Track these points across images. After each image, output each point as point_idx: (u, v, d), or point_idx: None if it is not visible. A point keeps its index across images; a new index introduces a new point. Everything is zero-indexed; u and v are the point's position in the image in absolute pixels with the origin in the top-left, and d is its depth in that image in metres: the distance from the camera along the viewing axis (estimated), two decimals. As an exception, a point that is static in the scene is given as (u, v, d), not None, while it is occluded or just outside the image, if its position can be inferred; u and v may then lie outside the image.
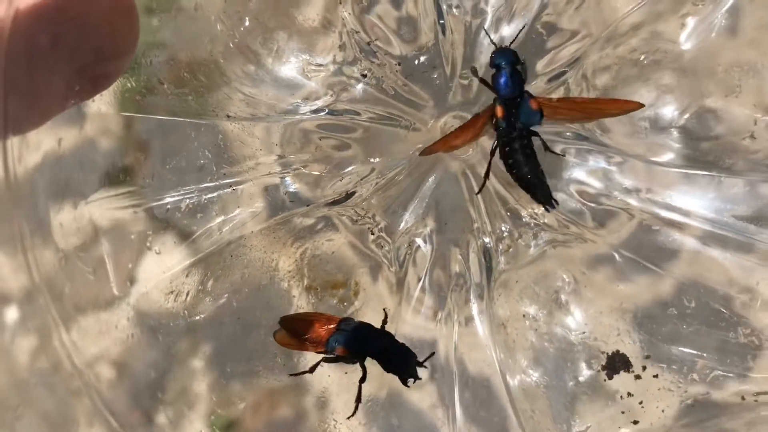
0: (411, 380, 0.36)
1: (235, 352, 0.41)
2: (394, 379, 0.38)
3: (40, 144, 0.32)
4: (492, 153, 0.39)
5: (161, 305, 0.39)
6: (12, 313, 0.32)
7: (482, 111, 0.38)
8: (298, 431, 0.41)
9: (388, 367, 0.36)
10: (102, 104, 0.37)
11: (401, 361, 0.36)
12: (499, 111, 0.37)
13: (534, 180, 0.38)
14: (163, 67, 0.39)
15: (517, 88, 0.37)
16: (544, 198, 0.38)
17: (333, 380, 0.41)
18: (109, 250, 0.38)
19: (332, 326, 0.37)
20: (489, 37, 0.40)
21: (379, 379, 0.39)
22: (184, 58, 0.40)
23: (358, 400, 0.38)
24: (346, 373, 0.40)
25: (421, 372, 0.37)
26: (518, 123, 0.37)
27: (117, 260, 0.38)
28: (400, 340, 0.38)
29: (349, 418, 0.38)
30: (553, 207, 0.38)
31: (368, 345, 0.37)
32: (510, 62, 0.37)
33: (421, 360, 0.37)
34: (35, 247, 0.32)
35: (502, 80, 0.37)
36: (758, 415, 0.36)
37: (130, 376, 0.38)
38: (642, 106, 0.36)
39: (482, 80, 0.39)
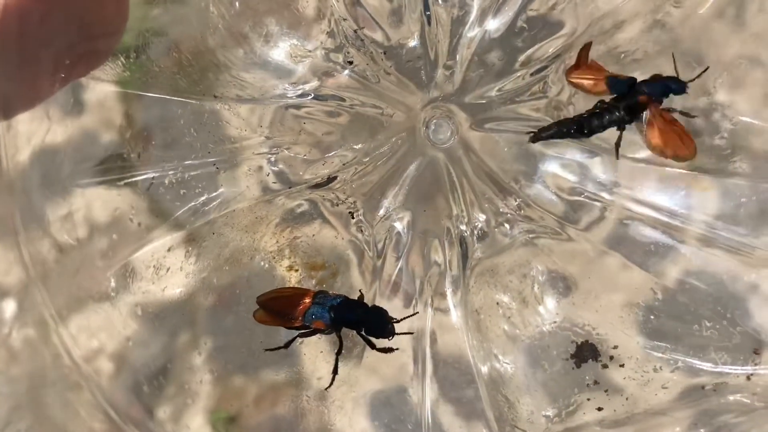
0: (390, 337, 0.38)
1: (217, 330, 0.42)
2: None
3: (32, 136, 0.32)
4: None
5: (158, 295, 0.40)
6: (10, 306, 0.32)
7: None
8: (300, 425, 0.41)
9: (366, 333, 0.38)
10: (91, 79, 0.37)
11: (377, 324, 0.38)
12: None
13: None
14: (154, 47, 0.40)
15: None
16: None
17: (354, 379, 0.42)
18: (106, 242, 0.39)
19: (308, 300, 0.38)
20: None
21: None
22: (176, 38, 0.41)
23: (335, 371, 0.39)
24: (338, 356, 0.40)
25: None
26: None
27: (113, 251, 0.39)
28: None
29: (326, 389, 0.40)
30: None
31: (344, 316, 0.38)
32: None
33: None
34: (31, 241, 0.33)
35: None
36: (716, 402, 0.38)
37: (130, 370, 0.39)
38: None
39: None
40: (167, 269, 0.40)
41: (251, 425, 0.41)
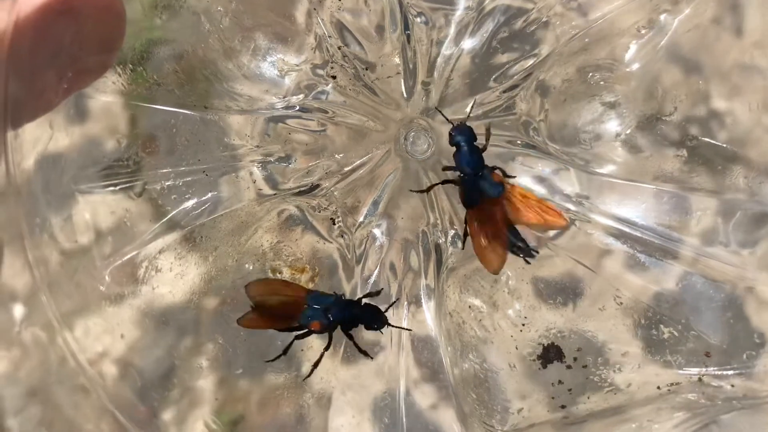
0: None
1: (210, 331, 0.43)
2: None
3: (36, 143, 0.34)
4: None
5: (163, 300, 0.42)
6: (20, 309, 0.33)
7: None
8: (302, 427, 0.43)
9: (365, 327, 0.41)
10: (92, 90, 0.39)
11: (372, 318, 0.41)
12: (460, 193, 0.41)
13: None
14: (153, 60, 0.42)
15: (478, 163, 0.40)
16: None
17: (336, 377, 0.43)
18: (104, 245, 0.40)
19: (300, 301, 0.40)
20: (443, 116, 0.43)
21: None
22: (171, 52, 0.43)
23: (316, 365, 0.41)
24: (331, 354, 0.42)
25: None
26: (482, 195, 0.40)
27: (110, 253, 0.41)
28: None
29: (304, 380, 0.42)
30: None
31: (341, 315, 0.40)
32: (468, 140, 0.40)
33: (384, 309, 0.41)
34: (36, 246, 0.34)
35: (464, 158, 0.40)
36: (666, 401, 0.40)
37: (135, 373, 0.40)
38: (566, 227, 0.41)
39: (446, 167, 0.42)
40: (158, 270, 0.42)
41: (254, 428, 0.43)
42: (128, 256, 0.41)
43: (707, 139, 0.43)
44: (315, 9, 0.44)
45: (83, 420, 0.35)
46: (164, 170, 0.42)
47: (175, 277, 0.42)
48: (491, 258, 0.40)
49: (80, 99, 0.39)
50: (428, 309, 0.45)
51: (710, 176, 0.43)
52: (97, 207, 0.40)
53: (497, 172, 0.41)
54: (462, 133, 0.40)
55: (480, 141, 0.41)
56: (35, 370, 0.33)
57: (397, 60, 0.45)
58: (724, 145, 0.43)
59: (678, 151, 0.43)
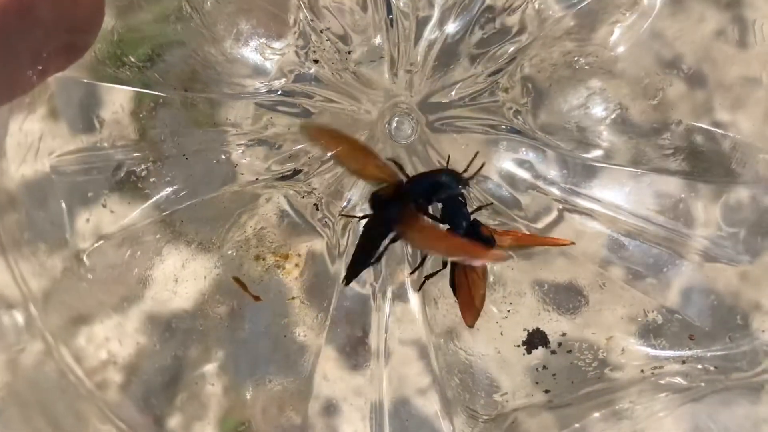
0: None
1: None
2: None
3: (10, 125, 0.34)
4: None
5: (167, 306, 0.42)
6: (16, 319, 0.33)
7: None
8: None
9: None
10: (69, 72, 0.39)
11: (450, 180, 0.40)
12: None
13: None
14: (128, 42, 0.42)
15: (467, 217, 0.41)
16: None
17: (339, 385, 0.43)
18: (90, 232, 0.40)
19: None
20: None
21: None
22: (150, 34, 0.42)
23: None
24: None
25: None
26: None
27: (97, 241, 0.41)
28: (341, 312, 0.42)
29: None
30: None
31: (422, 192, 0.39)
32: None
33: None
34: (24, 255, 0.34)
35: (453, 214, 0.41)
36: (649, 384, 0.40)
37: (140, 380, 0.40)
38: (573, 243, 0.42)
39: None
40: (138, 255, 0.42)
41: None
42: (108, 240, 0.41)
43: (691, 122, 0.43)
44: (298, -8, 0.44)
45: (87, 428, 0.35)
46: (143, 153, 0.42)
47: (156, 262, 0.42)
48: (472, 312, 0.41)
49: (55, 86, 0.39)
50: (412, 296, 0.45)
51: (694, 160, 0.43)
52: (75, 192, 0.40)
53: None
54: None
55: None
56: (34, 380, 0.33)
57: (379, 43, 0.45)
58: (709, 128, 0.43)
59: (663, 135, 0.43)
